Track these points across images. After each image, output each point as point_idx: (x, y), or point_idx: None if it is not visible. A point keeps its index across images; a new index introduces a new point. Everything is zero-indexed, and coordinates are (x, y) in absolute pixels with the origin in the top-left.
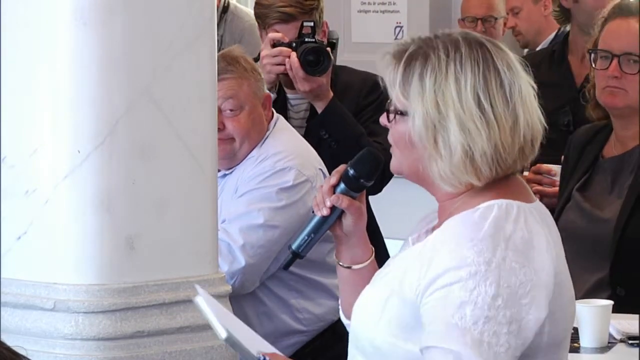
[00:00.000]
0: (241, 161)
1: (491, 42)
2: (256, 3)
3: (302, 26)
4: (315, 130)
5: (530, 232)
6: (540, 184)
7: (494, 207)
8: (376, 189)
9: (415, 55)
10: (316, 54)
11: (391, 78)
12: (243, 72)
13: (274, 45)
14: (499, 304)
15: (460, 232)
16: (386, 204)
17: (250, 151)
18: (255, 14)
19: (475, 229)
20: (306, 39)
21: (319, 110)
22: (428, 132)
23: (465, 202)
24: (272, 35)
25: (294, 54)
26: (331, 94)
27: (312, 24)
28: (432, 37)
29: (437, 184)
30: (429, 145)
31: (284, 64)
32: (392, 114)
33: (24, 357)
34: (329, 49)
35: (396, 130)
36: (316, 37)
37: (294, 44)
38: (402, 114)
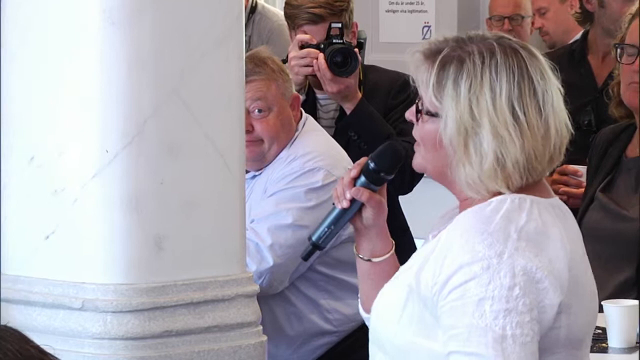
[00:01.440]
0: (270, 162)
1: (525, 48)
2: (286, 3)
3: (330, 27)
4: (344, 131)
5: (545, 224)
6: (566, 184)
7: (506, 200)
8: (406, 189)
9: (450, 59)
10: (343, 55)
11: (424, 78)
12: (271, 73)
13: (301, 47)
14: (516, 294)
15: (472, 226)
16: (417, 204)
17: (280, 152)
18: (285, 15)
19: (486, 222)
20: (334, 40)
21: (348, 111)
22: (460, 136)
23: (481, 199)
24: (300, 37)
25: (321, 55)
26: (359, 94)
27: (340, 25)
28: (466, 39)
29: (460, 188)
30: (459, 149)
31: (312, 66)
32: (424, 114)
33: (52, 356)
34: (356, 49)
35: (424, 129)
36: (344, 38)
37: (322, 45)
38: (433, 115)
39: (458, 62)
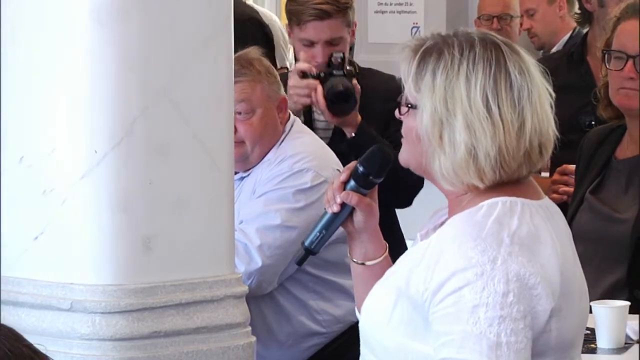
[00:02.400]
0: (256, 164)
1: (508, 44)
2: (289, 0)
3: (331, 56)
4: (347, 154)
5: (536, 227)
6: (566, 185)
7: (497, 204)
8: (406, 202)
9: (430, 51)
10: (343, 97)
11: (406, 71)
12: (256, 75)
13: (302, 76)
14: (510, 300)
15: (464, 232)
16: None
17: (264, 154)
18: (289, 12)
19: (478, 228)
20: (334, 72)
21: (348, 134)
22: (434, 127)
23: (471, 201)
24: (300, 66)
25: (320, 89)
26: (359, 118)
27: (341, 55)
28: (451, 34)
29: (438, 181)
30: (434, 140)
31: (310, 97)
32: (404, 106)
33: (44, 355)
34: (355, 81)
35: (406, 124)
36: (344, 68)
37: (321, 75)
38: (413, 107)
39: (437, 54)
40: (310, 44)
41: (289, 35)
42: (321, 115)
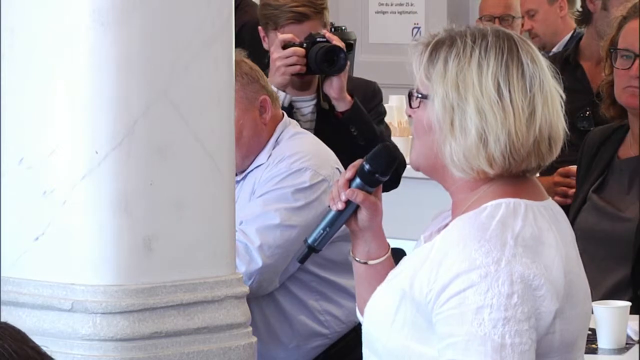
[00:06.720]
0: (244, 167)
1: (520, 36)
2: (263, 4)
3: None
4: (346, 126)
5: (540, 229)
6: (569, 187)
7: (501, 205)
8: (393, 183)
9: (443, 41)
10: (334, 51)
11: (417, 62)
12: None
13: (285, 47)
14: (515, 302)
15: (468, 233)
16: (397, 205)
17: (248, 157)
18: (264, 16)
19: (482, 229)
20: (317, 39)
21: (341, 109)
22: (445, 113)
23: (475, 202)
24: (283, 36)
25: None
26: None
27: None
28: (464, 27)
29: (449, 169)
30: (445, 126)
31: (299, 64)
32: (415, 98)
33: (48, 356)
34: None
35: (417, 117)
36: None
37: (304, 45)
38: (424, 97)
39: (449, 42)
40: None
41: (264, 40)
42: (304, 116)
